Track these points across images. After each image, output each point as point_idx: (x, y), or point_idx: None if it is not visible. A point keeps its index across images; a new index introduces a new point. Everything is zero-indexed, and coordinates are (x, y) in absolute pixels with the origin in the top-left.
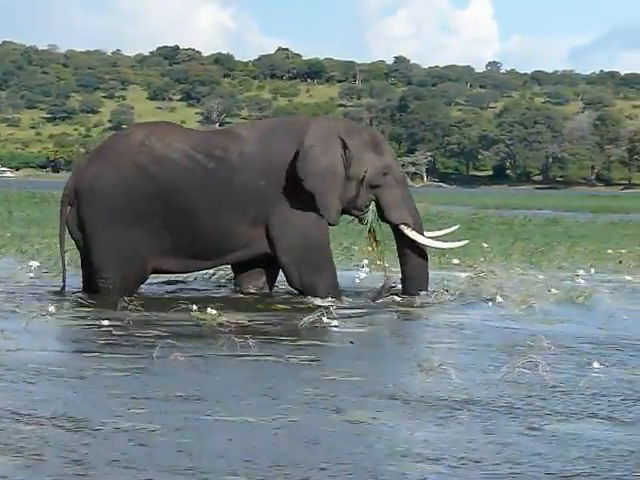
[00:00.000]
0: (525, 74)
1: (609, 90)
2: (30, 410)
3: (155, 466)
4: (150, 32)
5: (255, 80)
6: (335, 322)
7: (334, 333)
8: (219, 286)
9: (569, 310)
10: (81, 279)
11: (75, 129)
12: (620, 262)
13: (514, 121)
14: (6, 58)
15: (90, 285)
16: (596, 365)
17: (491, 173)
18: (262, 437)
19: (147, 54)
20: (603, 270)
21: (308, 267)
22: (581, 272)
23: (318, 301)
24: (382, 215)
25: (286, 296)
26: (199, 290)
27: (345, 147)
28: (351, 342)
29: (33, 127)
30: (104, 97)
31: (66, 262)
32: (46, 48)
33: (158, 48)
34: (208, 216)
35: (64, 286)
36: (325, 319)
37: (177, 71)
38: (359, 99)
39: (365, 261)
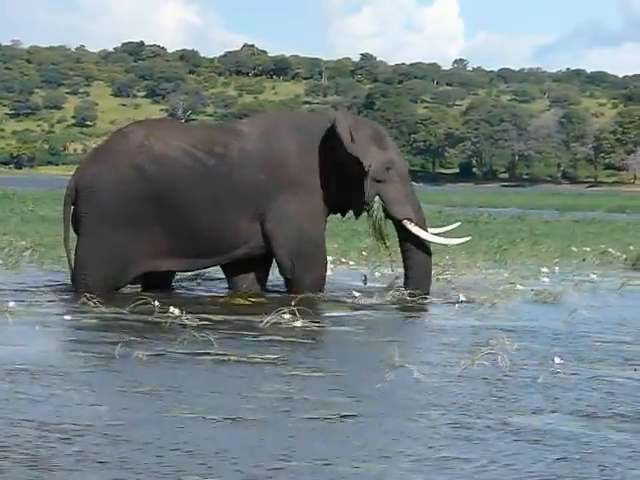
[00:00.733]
0: (491, 72)
1: (575, 88)
2: None
3: (120, 462)
4: (115, 28)
5: (220, 77)
6: (299, 321)
7: (298, 331)
8: (182, 286)
9: (532, 308)
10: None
11: (38, 125)
12: (584, 260)
13: (480, 119)
14: None
15: (72, 280)
16: (557, 361)
17: (457, 171)
18: (226, 433)
19: (111, 50)
20: (567, 268)
21: (302, 260)
22: (545, 270)
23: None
24: (385, 210)
25: (251, 294)
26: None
27: (352, 141)
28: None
29: None
30: (68, 93)
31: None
32: (9, 44)
33: (123, 44)
34: (208, 213)
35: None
36: (287, 317)
37: (142, 67)
38: (325, 96)
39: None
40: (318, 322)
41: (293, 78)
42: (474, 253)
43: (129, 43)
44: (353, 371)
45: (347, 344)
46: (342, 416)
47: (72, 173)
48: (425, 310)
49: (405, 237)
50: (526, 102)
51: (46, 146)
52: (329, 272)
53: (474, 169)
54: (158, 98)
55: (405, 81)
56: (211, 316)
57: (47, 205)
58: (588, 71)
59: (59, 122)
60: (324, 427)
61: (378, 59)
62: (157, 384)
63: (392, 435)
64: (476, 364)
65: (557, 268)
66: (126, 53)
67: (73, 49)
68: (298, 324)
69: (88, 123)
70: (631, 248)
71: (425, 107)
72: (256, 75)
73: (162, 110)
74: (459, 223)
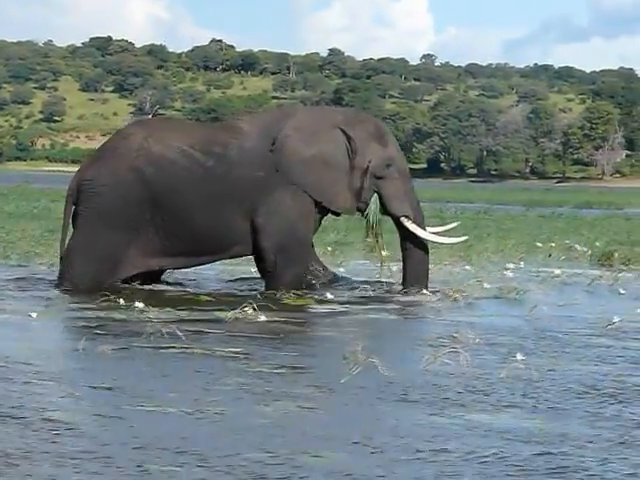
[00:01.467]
0: (459, 67)
1: (543, 83)
2: None
3: (83, 454)
4: (82, 23)
5: (188, 72)
6: (263, 316)
7: (261, 325)
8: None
9: (496, 303)
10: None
11: (6, 120)
12: (550, 255)
13: (448, 114)
14: None
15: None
16: (519, 357)
17: (425, 166)
18: (190, 427)
19: (79, 45)
20: (532, 263)
21: (285, 256)
22: (510, 265)
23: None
24: (384, 207)
25: (214, 290)
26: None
27: (349, 138)
28: None
29: None
30: (35, 88)
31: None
32: None
33: (90, 39)
34: (206, 212)
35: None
36: (251, 311)
37: (109, 62)
38: (293, 91)
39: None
40: (284, 317)
41: (261, 73)
42: (439, 248)
43: (97, 38)
44: (318, 365)
45: (311, 339)
46: (304, 408)
47: (39, 168)
48: (391, 305)
49: (404, 235)
50: (494, 97)
51: (14, 141)
52: None
53: (442, 164)
54: (126, 93)
55: (373, 76)
56: (175, 310)
57: (14, 201)
58: (556, 66)
59: (27, 117)
60: (288, 419)
61: (346, 54)
62: (121, 378)
63: (355, 427)
64: (438, 360)
65: (522, 263)
66: (94, 48)
67: (41, 44)
68: (262, 318)
69: (56, 118)
70: (597, 244)
71: (393, 102)
72: (224, 70)
73: (130, 105)
74: (458, 223)
